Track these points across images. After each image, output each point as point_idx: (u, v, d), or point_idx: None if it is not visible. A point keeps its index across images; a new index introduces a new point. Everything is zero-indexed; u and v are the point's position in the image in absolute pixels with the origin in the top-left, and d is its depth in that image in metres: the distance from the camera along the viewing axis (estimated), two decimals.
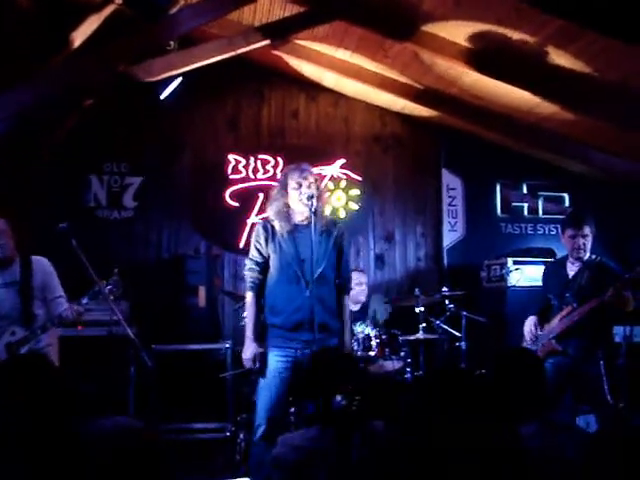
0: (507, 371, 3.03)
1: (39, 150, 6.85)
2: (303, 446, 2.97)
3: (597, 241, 5.30)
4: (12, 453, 2.12)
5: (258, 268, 4.58)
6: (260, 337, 4.53)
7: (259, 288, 4.60)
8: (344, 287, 4.67)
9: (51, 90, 5.06)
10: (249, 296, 4.62)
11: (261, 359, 4.49)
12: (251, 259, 4.62)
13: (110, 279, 4.82)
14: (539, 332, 5.23)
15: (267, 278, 4.58)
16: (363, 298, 6.63)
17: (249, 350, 4.51)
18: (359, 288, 6.51)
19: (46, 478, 2.08)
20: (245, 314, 4.80)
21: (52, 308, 4.91)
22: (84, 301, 4.84)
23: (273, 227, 4.55)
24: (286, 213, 4.53)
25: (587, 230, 5.14)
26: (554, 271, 5.42)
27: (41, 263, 5.03)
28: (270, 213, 4.61)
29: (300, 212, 4.52)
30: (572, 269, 5.22)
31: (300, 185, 4.47)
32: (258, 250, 4.58)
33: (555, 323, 5.11)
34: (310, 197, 4.40)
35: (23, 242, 5.13)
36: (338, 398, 3.03)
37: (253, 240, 4.64)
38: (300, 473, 2.90)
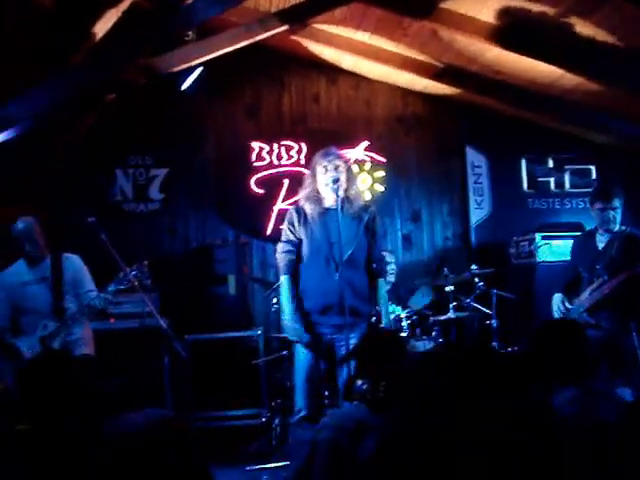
0: (551, 339, 3.01)
1: (63, 146, 6.91)
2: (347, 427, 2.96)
3: (625, 212, 5.24)
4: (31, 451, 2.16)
5: (292, 248, 4.61)
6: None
7: (294, 270, 4.61)
8: (379, 270, 4.69)
9: (72, 87, 5.09)
10: (284, 279, 4.61)
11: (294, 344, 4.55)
12: (284, 241, 4.66)
13: (134, 265, 4.93)
14: (569, 306, 5.21)
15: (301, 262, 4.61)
16: (392, 279, 6.63)
17: (295, 334, 4.51)
18: (387, 268, 6.50)
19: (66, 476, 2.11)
20: (278, 299, 4.82)
21: (83, 301, 5.03)
22: (110, 288, 4.94)
23: (305, 211, 4.58)
24: (316, 197, 4.58)
25: (616, 202, 5.10)
26: (583, 244, 5.41)
27: (71, 259, 5.18)
28: (301, 198, 4.68)
29: (329, 196, 4.56)
30: (602, 241, 5.22)
31: (326, 169, 4.50)
32: (292, 232, 4.61)
33: (586, 296, 5.10)
34: (335, 180, 4.42)
35: (53, 239, 5.23)
36: (359, 382, 3.02)
37: (286, 223, 4.68)
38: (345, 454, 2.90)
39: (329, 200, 4.57)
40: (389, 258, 6.57)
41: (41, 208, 6.57)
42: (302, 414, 4.45)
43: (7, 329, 4.98)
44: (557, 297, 5.32)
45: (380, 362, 3.13)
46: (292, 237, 4.61)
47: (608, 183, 5.50)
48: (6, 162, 5.71)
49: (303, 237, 4.56)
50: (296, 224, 4.59)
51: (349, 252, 4.42)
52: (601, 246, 5.19)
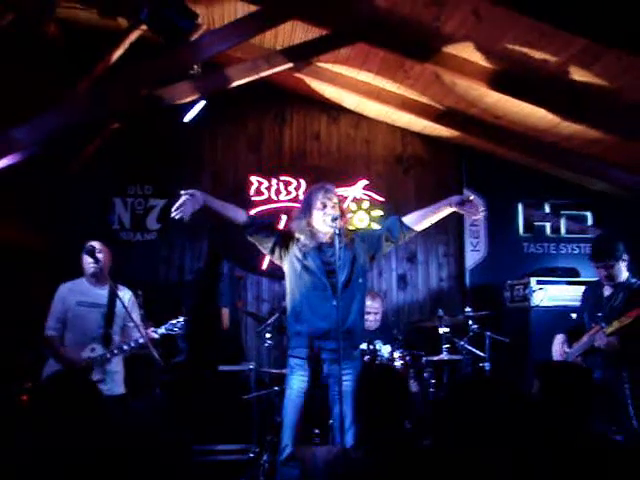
0: (558, 383, 3.01)
1: (64, 173, 6.94)
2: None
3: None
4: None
5: (271, 230, 4.67)
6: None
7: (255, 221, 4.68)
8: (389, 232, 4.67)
9: (78, 115, 5.13)
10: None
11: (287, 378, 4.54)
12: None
13: (181, 317, 5.35)
14: (567, 349, 5.26)
15: (290, 286, 4.60)
16: (377, 325, 6.58)
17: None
18: (371, 318, 6.48)
19: None
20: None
21: (128, 334, 5.32)
22: (160, 331, 5.32)
23: (300, 241, 4.58)
24: (309, 232, 4.56)
25: (610, 261, 5.14)
26: (592, 291, 5.46)
27: (125, 292, 5.44)
28: (295, 231, 4.62)
29: (323, 232, 4.55)
30: (608, 290, 5.26)
31: (325, 206, 4.51)
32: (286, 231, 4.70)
33: (583, 341, 5.13)
34: (334, 219, 4.42)
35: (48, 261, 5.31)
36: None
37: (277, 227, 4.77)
38: None
39: (322, 235, 4.56)
40: (375, 304, 6.55)
41: (42, 232, 6.66)
42: (288, 451, 4.40)
43: (58, 340, 5.20)
44: (559, 337, 5.39)
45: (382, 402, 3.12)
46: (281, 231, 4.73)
47: (602, 241, 5.54)
48: (9, 186, 5.75)
49: (296, 261, 4.54)
50: (294, 247, 4.59)
51: (345, 278, 4.43)
52: (606, 295, 5.24)
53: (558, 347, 5.33)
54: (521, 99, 6.20)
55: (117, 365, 5.26)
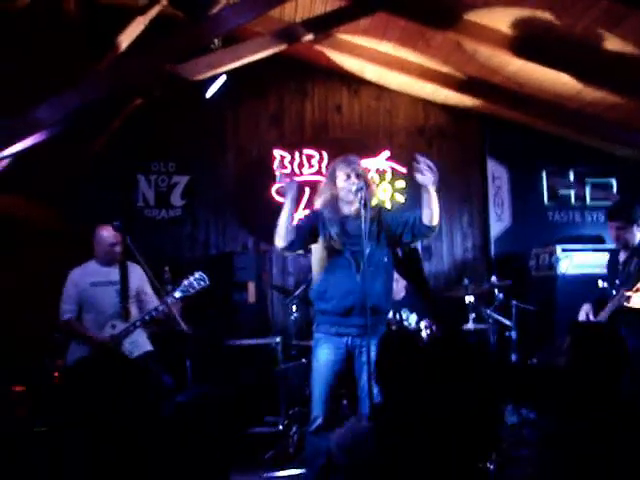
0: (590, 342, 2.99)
1: (88, 151, 6.98)
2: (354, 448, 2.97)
3: None
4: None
5: (305, 224, 4.66)
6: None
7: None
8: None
9: (99, 93, 5.13)
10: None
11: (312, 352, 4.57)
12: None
13: (196, 272, 5.22)
14: (592, 318, 5.23)
15: (316, 264, 4.60)
16: (402, 294, 6.58)
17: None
18: (395, 284, 6.47)
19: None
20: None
21: (145, 305, 5.36)
22: (176, 295, 5.22)
23: (323, 216, 4.57)
24: (335, 204, 4.54)
25: (624, 222, 5.13)
26: (611, 260, 5.46)
27: (135, 268, 5.43)
28: (319, 204, 4.63)
29: (349, 203, 4.52)
30: (622, 255, 5.26)
31: (349, 176, 4.48)
32: (310, 218, 4.70)
33: (607, 309, 5.12)
34: (359, 189, 4.41)
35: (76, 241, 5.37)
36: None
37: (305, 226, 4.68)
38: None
39: (348, 207, 4.54)
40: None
41: (66, 211, 6.71)
42: (318, 423, 4.44)
43: (76, 322, 5.27)
44: (585, 306, 5.36)
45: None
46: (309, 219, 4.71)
47: (621, 202, 5.51)
48: (32, 166, 5.80)
49: (321, 241, 4.54)
50: (314, 225, 4.57)
51: (370, 254, 4.37)
52: (622, 260, 5.24)
53: (584, 316, 5.31)
54: (544, 65, 6.17)
55: (139, 334, 5.31)
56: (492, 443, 2.42)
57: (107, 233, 5.29)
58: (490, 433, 2.60)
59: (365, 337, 4.29)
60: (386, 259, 4.57)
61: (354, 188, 4.41)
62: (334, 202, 4.55)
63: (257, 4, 5.18)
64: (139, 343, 5.29)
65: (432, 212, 4.44)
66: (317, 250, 4.61)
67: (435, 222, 4.49)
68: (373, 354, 4.28)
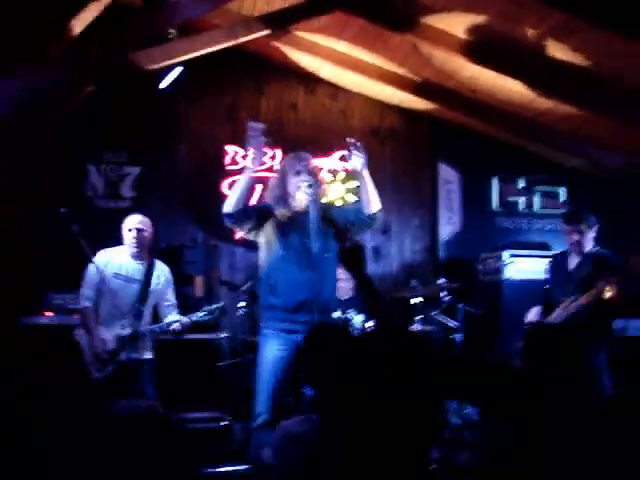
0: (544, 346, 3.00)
1: (37, 137, 6.83)
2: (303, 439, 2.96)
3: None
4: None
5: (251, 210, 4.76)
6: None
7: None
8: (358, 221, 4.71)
9: (51, 76, 5.07)
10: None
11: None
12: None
13: (220, 302, 5.41)
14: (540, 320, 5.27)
15: (264, 259, 4.64)
16: (349, 293, 6.62)
17: None
18: (343, 285, 6.52)
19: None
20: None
21: (162, 311, 5.35)
22: (194, 318, 5.25)
23: (274, 211, 4.60)
24: (285, 200, 4.59)
25: (582, 227, 5.22)
26: (558, 263, 5.51)
27: (162, 269, 5.46)
28: (269, 199, 4.67)
29: (299, 200, 4.57)
30: (573, 262, 5.33)
31: (299, 173, 4.54)
32: (258, 209, 4.79)
33: (556, 314, 5.14)
34: (310, 185, 4.45)
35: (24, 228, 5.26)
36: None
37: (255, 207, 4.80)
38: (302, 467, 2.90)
39: (298, 204, 4.59)
40: (340, 273, 6.59)
41: (14, 198, 6.58)
42: (263, 418, 4.43)
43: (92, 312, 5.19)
44: (535, 309, 5.40)
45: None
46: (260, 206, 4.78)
47: (577, 208, 5.63)
48: None
49: (271, 236, 4.57)
50: (262, 217, 4.63)
51: (319, 250, 4.47)
52: (572, 267, 5.31)
53: (533, 318, 5.35)
54: (497, 72, 6.24)
55: (148, 343, 5.31)
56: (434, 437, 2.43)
57: (131, 219, 5.34)
58: (432, 429, 2.61)
59: None
60: (333, 255, 4.66)
61: (305, 184, 4.45)
62: (284, 197, 4.59)
63: None
64: (139, 348, 5.23)
65: (369, 198, 4.58)
66: (265, 245, 4.64)
67: (374, 209, 4.60)
68: None
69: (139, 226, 5.32)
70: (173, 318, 5.29)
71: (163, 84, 6.44)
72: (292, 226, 4.54)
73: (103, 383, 5.02)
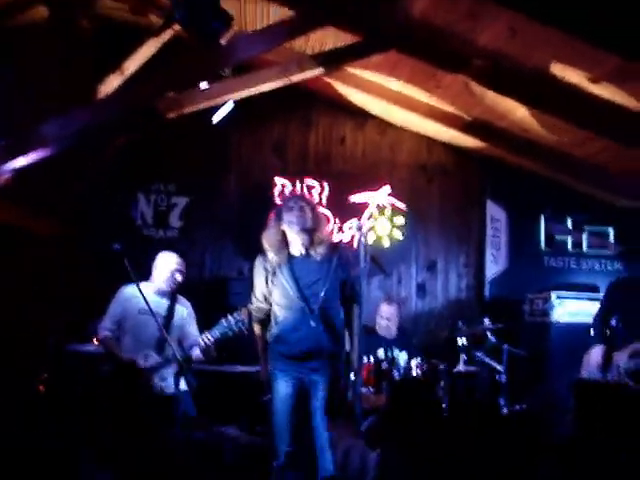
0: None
1: (90, 167, 6.97)
2: None
3: None
4: None
5: (260, 305, 4.69)
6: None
7: (264, 321, 4.69)
8: (352, 297, 4.61)
9: (108, 113, 5.16)
10: (256, 328, 4.75)
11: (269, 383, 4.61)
12: (254, 296, 4.73)
13: (235, 312, 4.98)
14: (621, 364, 4.57)
15: (273, 307, 4.62)
16: (393, 332, 6.60)
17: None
18: (387, 323, 6.52)
19: None
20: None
21: (186, 345, 5.31)
22: (213, 334, 5.02)
23: (270, 261, 4.55)
24: (282, 243, 4.51)
25: None
26: (629, 289, 5.00)
27: (184, 304, 5.51)
28: (266, 244, 4.57)
29: (296, 242, 4.50)
30: None
31: (291, 209, 4.45)
32: (259, 288, 4.66)
33: (623, 358, 4.57)
34: (305, 227, 4.41)
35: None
36: None
37: (255, 275, 4.70)
38: None
39: (296, 246, 4.51)
40: (391, 310, 6.56)
41: (69, 224, 6.73)
42: (285, 454, 4.43)
43: (112, 341, 5.26)
44: (597, 350, 4.80)
45: None
46: (259, 293, 4.66)
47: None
48: (37, 181, 5.80)
49: (273, 289, 4.53)
50: (262, 281, 4.59)
51: (322, 296, 4.40)
52: None
53: (597, 358, 4.71)
54: (549, 114, 6.19)
55: (170, 371, 5.22)
56: None
57: (171, 259, 5.43)
58: None
59: (319, 373, 4.44)
60: (337, 300, 4.58)
61: (300, 226, 4.40)
62: (280, 241, 4.51)
63: (271, 36, 5.21)
64: (170, 381, 5.16)
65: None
66: (268, 291, 4.61)
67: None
68: (322, 393, 4.44)
69: (181, 267, 5.42)
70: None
71: (215, 118, 6.52)
72: (291, 272, 4.48)
73: None
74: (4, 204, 5.85)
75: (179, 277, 5.40)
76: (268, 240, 4.54)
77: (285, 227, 4.47)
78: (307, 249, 4.47)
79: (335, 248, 4.61)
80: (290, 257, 4.51)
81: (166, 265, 5.42)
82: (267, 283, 4.55)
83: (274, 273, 4.52)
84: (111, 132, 6.10)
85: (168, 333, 5.17)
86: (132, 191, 7.46)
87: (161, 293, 5.40)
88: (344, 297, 4.60)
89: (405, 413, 3.01)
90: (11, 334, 6.36)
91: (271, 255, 4.52)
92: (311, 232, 4.44)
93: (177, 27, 5.41)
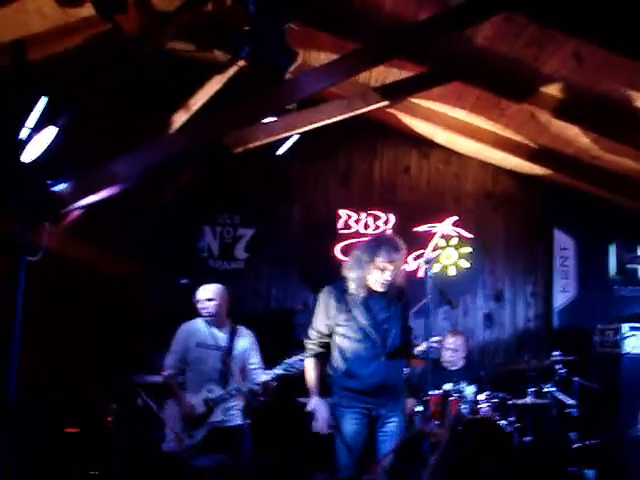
0: None
1: (158, 201, 7.10)
2: None
3: None
4: None
5: (321, 340, 4.62)
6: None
7: (320, 355, 4.63)
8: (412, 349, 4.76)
9: (174, 151, 5.25)
10: (310, 362, 4.65)
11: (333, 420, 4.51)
12: (316, 329, 4.63)
13: (300, 353, 5.08)
14: None
15: (339, 341, 4.53)
16: (460, 363, 6.52)
17: (320, 408, 4.51)
18: (452, 354, 6.44)
19: None
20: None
21: (249, 375, 5.45)
22: (276, 371, 5.30)
23: (345, 291, 4.51)
24: (364, 282, 4.45)
25: None
26: None
27: (245, 335, 5.61)
28: (351, 275, 4.49)
29: (375, 284, 4.48)
30: None
31: (384, 270, 4.41)
32: (325, 320, 4.57)
33: None
34: (388, 283, 4.44)
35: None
36: None
37: (321, 307, 4.61)
38: None
39: (375, 283, 4.47)
40: (458, 341, 6.49)
41: (135, 259, 6.86)
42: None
43: (175, 378, 5.43)
44: None
45: None
46: (323, 326, 4.58)
47: None
48: (109, 216, 5.94)
49: (343, 321, 4.47)
50: (333, 311, 4.51)
51: (393, 335, 4.51)
52: None
53: None
54: (617, 141, 6.09)
55: (234, 403, 5.38)
56: None
57: (199, 291, 5.47)
58: None
59: (387, 407, 4.48)
60: (402, 336, 4.63)
61: (384, 281, 4.43)
62: (364, 280, 4.45)
63: (336, 70, 5.23)
64: (233, 414, 5.36)
65: None
66: (339, 325, 4.53)
67: None
68: (394, 424, 4.49)
69: (208, 296, 5.44)
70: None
71: (280, 151, 6.59)
72: (366, 307, 4.47)
73: (194, 450, 5.09)
74: (76, 241, 6.00)
75: (201, 307, 5.46)
76: (355, 272, 4.47)
77: (375, 269, 4.42)
78: (386, 291, 4.50)
79: (402, 289, 4.66)
80: (369, 294, 4.49)
81: (196, 299, 5.52)
82: (337, 315, 4.49)
83: (347, 304, 4.48)
84: (177, 168, 6.20)
85: (229, 363, 5.28)
86: (198, 223, 7.54)
87: (214, 324, 5.48)
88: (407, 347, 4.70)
89: (469, 450, 2.91)
90: (81, 367, 6.49)
91: (353, 286, 4.47)
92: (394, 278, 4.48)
93: (242, 63, 5.46)
